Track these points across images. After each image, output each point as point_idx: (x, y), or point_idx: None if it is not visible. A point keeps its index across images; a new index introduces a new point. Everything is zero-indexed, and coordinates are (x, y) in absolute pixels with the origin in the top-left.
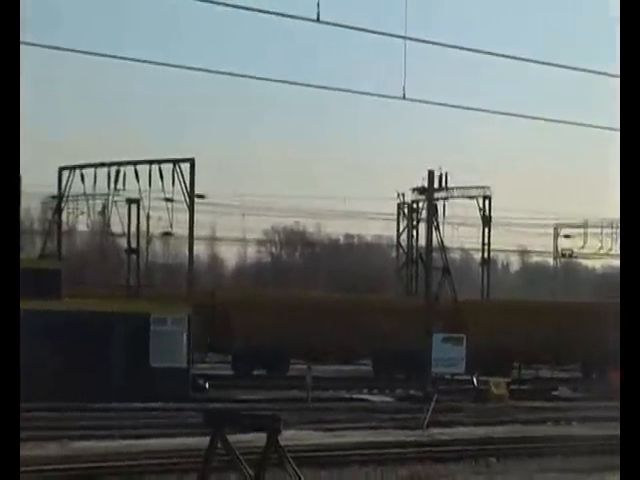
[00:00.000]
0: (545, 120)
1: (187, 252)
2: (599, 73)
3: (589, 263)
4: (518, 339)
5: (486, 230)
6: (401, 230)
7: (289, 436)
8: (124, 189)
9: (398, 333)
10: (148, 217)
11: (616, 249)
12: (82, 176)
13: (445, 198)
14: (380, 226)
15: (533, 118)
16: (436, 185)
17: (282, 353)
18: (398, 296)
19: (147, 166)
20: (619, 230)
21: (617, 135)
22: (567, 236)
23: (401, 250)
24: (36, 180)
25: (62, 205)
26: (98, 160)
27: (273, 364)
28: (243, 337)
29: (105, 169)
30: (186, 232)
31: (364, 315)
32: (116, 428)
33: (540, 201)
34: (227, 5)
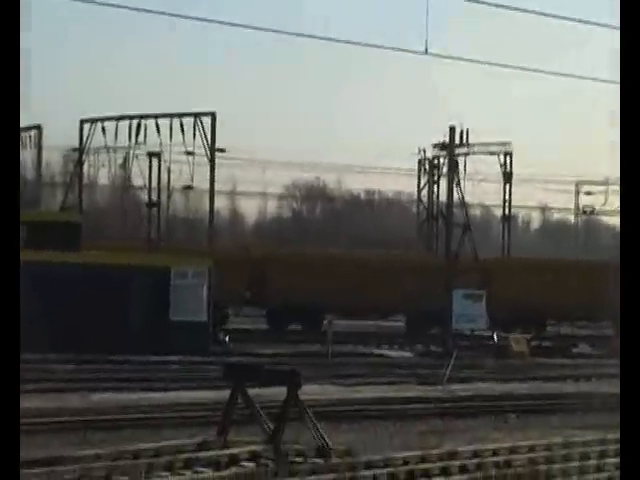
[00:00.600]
0: (570, 76)
1: (207, 206)
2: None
3: (610, 220)
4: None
5: (507, 187)
6: (422, 186)
7: (309, 390)
8: (145, 142)
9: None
10: (169, 171)
11: None
12: (103, 129)
13: (466, 154)
14: (401, 182)
15: (557, 74)
16: (457, 141)
17: (312, 308)
18: (419, 253)
19: (168, 119)
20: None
21: None
22: (588, 193)
23: (422, 206)
24: (59, 132)
25: (83, 158)
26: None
27: (305, 319)
28: (277, 292)
29: (126, 122)
30: (207, 186)
31: (389, 272)
32: (136, 381)
33: (562, 158)
34: None
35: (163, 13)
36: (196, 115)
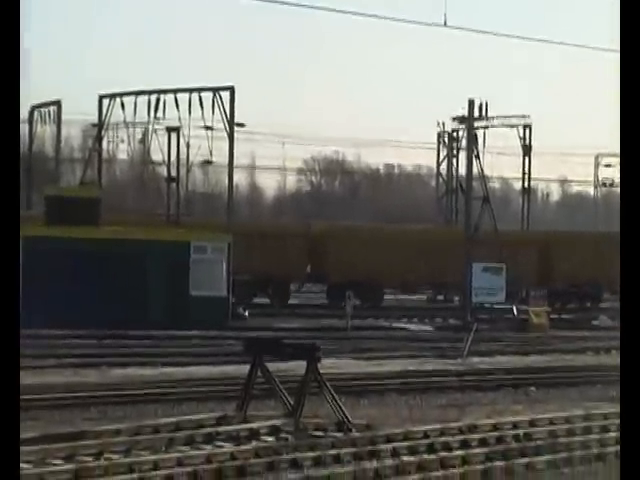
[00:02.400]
0: (589, 48)
1: (227, 180)
2: None
3: None
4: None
5: (526, 159)
6: (441, 159)
7: (328, 364)
8: (164, 117)
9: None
10: (188, 145)
11: None
12: (122, 104)
13: (485, 127)
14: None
15: (576, 46)
16: (476, 114)
17: (372, 283)
18: (438, 226)
19: (187, 94)
20: None
21: None
22: (608, 165)
23: (441, 179)
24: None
25: (102, 133)
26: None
27: (365, 294)
28: (337, 267)
29: (145, 97)
30: (226, 160)
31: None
32: (156, 356)
33: (581, 130)
34: None
35: None
36: (215, 90)
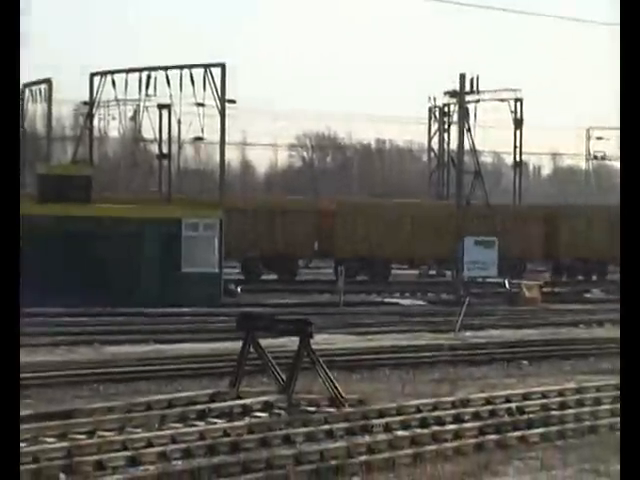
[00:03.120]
0: (581, 21)
1: (218, 157)
2: None
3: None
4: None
5: (517, 133)
6: (432, 134)
7: (320, 340)
8: (155, 94)
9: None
10: (179, 122)
11: None
12: (113, 81)
13: (477, 101)
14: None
15: (571, 19)
16: (467, 88)
17: (379, 259)
18: (430, 200)
19: (178, 71)
20: None
21: None
22: (599, 138)
23: (432, 154)
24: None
25: (93, 111)
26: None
27: (372, 270)
28: (345, 243)
29: (136, 74)
30: (217, 137)
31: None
32: (148, 333)
33: (573, 103)
34: None
35: None
36: (206, 66)
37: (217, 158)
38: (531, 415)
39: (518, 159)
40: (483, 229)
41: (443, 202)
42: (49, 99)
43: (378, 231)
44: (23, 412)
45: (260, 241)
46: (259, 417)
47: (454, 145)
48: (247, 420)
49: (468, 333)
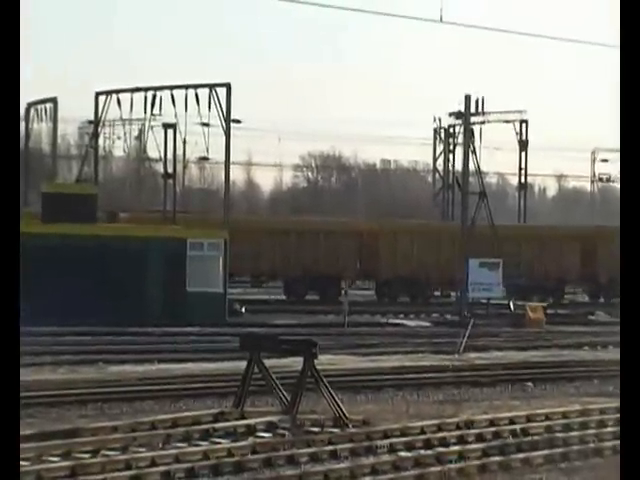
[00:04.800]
0: (587, 43)
1: (223, 177)
2: None
3: None
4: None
5: (523, 154)
6: (438, 155)
7: (325, 360)
8: (160, 114)
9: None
10: (184, 142)
11: None
12: (118, 101)
13: (482, 122)
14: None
15: (575, 41)
16: (473, 109)
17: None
18: (435, 221)
19: (183, 90)
20: None
21: None
22: (604, 160)
23: (437, 175)
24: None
25: (98, 130)
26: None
27: (414, 291)
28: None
29: (141, 94)
30: (222, 157)
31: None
32: (153, 352)
33: (578, 125)
34: None
35: None
36: (211, 86)
37: (222, 178)
38: (535, 437)
39: (523, 180)
40: (523, 250)
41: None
42: (54, 118)
43: (420, 252)
44: (27, 431)
45: (304, 262)
46: (263, 437)
47: (459, 166)
48: (251, 440)
49: (472, 354)
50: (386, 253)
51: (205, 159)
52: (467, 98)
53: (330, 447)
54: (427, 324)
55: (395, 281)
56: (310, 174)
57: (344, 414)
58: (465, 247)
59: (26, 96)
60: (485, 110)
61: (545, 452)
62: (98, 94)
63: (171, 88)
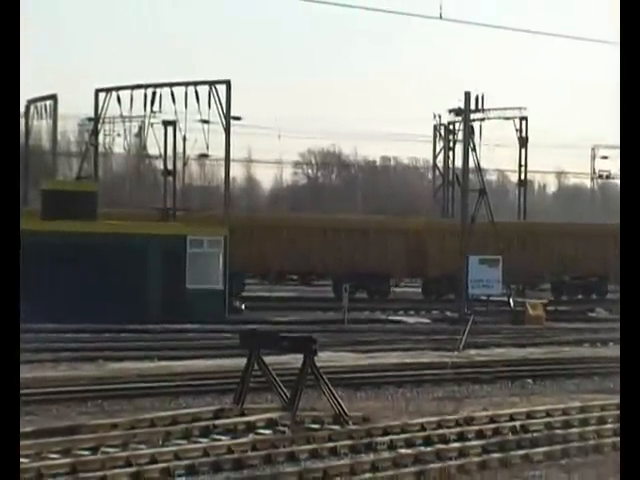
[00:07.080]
0: (587, 40)
1: (223, 174)
2: None
3: None
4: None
5: (523, 151)
6: (437, 152)
7: (325, 357)
8: (160, 111)
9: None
10: (184, 139)
11: None
12: (118, 98)
13: (482, 119)
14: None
15: (574, 38)
16: (472, 106)
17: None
18: (434, 218)
19: (183, 88)
20: None
21: None
22: (604, 157)
23: (437, 172)
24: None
25: (98, 127)
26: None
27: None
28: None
29: (141, 91)
30: (222, 154)
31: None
32: (153, 349)
33: (578, 122)
34: None
35: None
36: (211, 83)
37: (222, 174)
38: (535, 434)
39: (523, 177)
40: (565, 247)
41: (524, 221)
42: (54, 115)
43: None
44: (27, 428)
45: (353, 260)
46: (263, 434)
47: (459, 163)
48: (251, 437)
49: (472, 351)
50: (434, 251)
51: (205, 156)
52: (467, 95)
53: (330, 444)
54: (427, 320)
55: (442, 279)
56: (310, 171)
57: (344, 411)
58: (467, 244)
59: (26, 93)
60: (485, 107)
61: (545, 449)
62: (98, 91)
63: (171, 85)
